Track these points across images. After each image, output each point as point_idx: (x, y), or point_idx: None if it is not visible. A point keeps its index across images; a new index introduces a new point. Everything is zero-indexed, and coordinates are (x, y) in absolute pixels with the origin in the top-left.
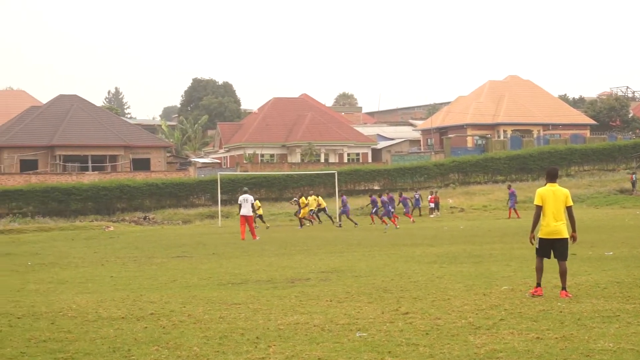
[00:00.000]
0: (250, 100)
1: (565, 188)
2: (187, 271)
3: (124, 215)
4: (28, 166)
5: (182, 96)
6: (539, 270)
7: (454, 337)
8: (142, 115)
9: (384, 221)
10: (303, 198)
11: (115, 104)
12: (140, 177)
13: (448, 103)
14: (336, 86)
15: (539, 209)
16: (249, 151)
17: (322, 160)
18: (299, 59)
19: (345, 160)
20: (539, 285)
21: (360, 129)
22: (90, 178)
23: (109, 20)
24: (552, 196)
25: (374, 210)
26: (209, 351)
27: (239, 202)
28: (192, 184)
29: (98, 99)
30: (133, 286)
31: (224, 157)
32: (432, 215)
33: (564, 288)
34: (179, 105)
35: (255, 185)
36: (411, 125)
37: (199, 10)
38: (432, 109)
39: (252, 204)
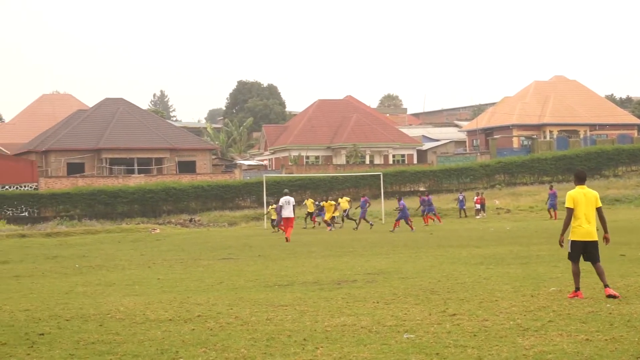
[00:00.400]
0: (295, 102)
1: (612, 189)
2: (233, 273)
3: (170, 217)
4: (75, 169)
5: (227, 99)
6: (577, 274)
7: (502, 339)
8: (188, 118)
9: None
10: (331, 201)
11: (161, 107)
12: (186, 179)
13: (493, 104)
14: (381, 88)
15: (571, 211)
16: (294, 153)
17: (368, 161)
18: (344, 61)
19: (391, 162)
20: (578, 289)
21: (405, 131)
22: (136, 181)
23: (155, 24)
24: (584, 198)
25: (424, 211)
26: (257, 353)
27: (280, 205)
28: (238, 186)
29: (144, 102)
30: (180, 288)
31: (269, 159)
32: (478, 217)
33: (607, 285)
34: (224, 108)
35: (301, 187)
36: (456, 126)
37: (244, 13)
38: (477, 110)
39: (294, 206)
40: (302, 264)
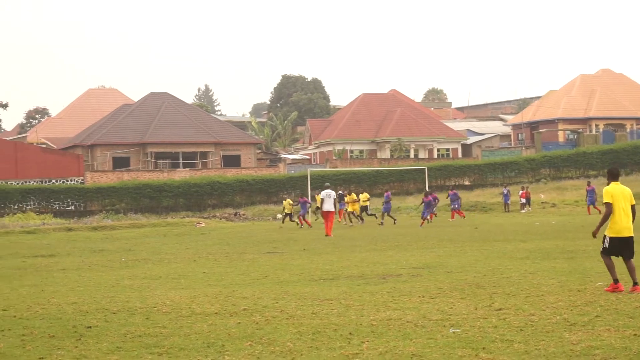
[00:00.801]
0: (340, 96)
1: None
2: (278, 267)
3: (215, 211)
4: (120, 163)
5: (271, 93)
6: (612, 267)
7: (548, 334)
8: (232, 112)
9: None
10: (353, 194)
11: (205, 101)
12: (231, 173)
13: (539, 97)
14: (425, 81)
15: (610, 206)
16: (339, 147)
17: (412, 155)
18: (388, 55)
19: (435, 156)
20: (617, 281)
21: (450, 124)
22: (181, 175)
23: (199, 19)
24: (621, 194)
25: (455, 206)
26: (302, 347)
27: (321, 198)
28: (282, 180)
29: (188, 97)
30: (225, 282)
31: (313, 153)
32: (523, 211)
33: (636, 283)
34: (268, 102)
35: (345, 182)
36: (501, 120)
37: (289, 7)
38: (522, 104)
39: (334, 199)
40: (347, 258)
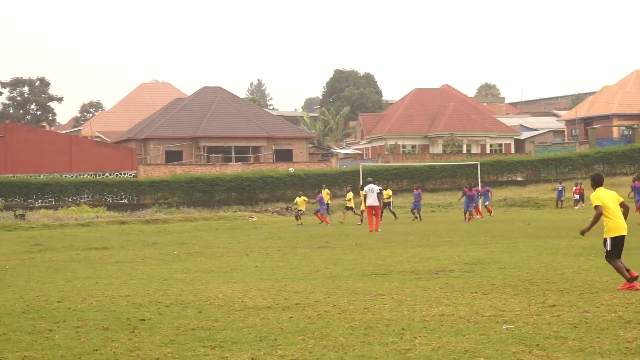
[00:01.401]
0: (392, 91)
1: None
2: (330, 262)
3: (267, 205)
4: (173, 157)
5: (324, 87)
6: (621, 268)
7: (603, 331)
8: (284, 107)
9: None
10: (388, 190)
11: (258, 95)
12: (283, 167)
13: (593, 93)
14: (478, 77)
15: (600, 208)
16: (391, 142)
17: (464, 151)
18: (441, 50)
19: (488, 151)
20: (632, 279)
21: (502, 120)
22: (233, 169)
23: (252, 13)
24: (609, 197)
25: (486, 203)
26: (355, 342)
27: (364, 193)
28: (334, 175)
29: (241, 91)
30: (277, 276)
31: (365, 148)
32: (576, 207)
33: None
34: (321, 97)
35: (397, 177)
36: (555, 115)
37: (342, 2)
38: (576, 99)
39: (378, 194)
40: (399, 253)
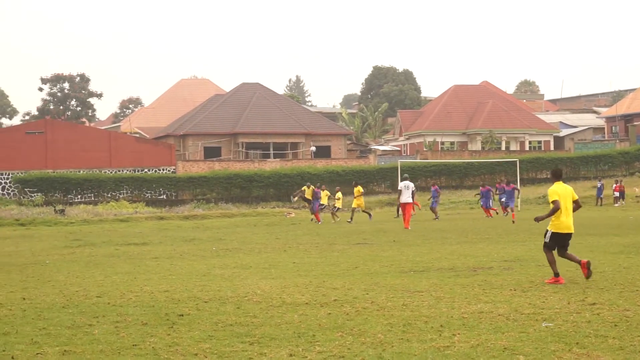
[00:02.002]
0: (431, 87)
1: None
2: (368, 258)
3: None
4: (212, 153)
5: (362, 84)
6: (553, 262)
7: None
8: (323, 103)
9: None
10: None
11: (296, 92)
12: (321, 164)
13: (634, 90)
14: (518, 73)
15: (558, 202)
16: (429, 139)
17: (503, 148)
18: (480, 46)
19: (527, 148)
20: (557, 274)
21: (542, 117)
22: (271, 165)
23: (291, 10)
24: (564, 193)
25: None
26: (393, 338)
27: (399, 189)
28: (372, 172)
29: (279, 87)
30: (315, 272)
31: (403, 144)
32: (616, 205)
33: (580, 261)
34: (359, 93)
35: (435, 174)
36: (595, 112)
37: None
38: (616, 96)
39: (413, 191)
40: (437, 250)
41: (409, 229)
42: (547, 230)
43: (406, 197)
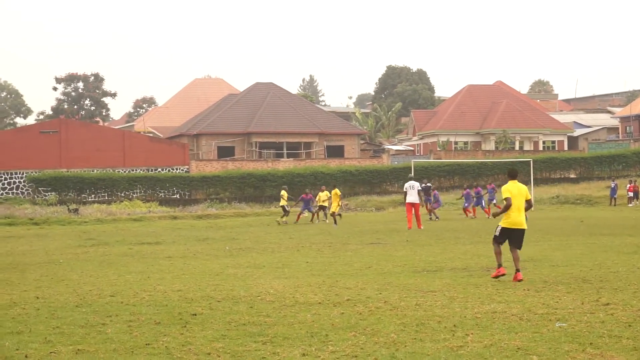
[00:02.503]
0: (445, 87)
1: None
2: (381, 258)
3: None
4: (225, 152)
5: (376, 84)
6: (498, 253)
7: None
8: (336, 103)
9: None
10: (337, 190)
11: (310, 91)
12: (334, 164)
13: None
14: (531, 73)
15: (510, 200)
16: (443, 138)
17: (517, 147)
18: (494, 46)
19: (541, 148)
20: (500, 265)
21: (556, 117)
22: (285, 165)
23: (304, 9)
24: (517, 192)
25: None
26: (406, 338)
27: (404, 189)
28: (386, 171)
29: (293, 87)
30: (329, 272)
31: (417, 144)
32: (630, 205)
33: (518, 270)
34: (372, 93)
35: (449, 173)
36: (609, 112)
37: None
38: (631, 96)
39: (419, 191)
40: (450, 250)
41: (421, 228)
42: (498, 225)
43: (412, 198)
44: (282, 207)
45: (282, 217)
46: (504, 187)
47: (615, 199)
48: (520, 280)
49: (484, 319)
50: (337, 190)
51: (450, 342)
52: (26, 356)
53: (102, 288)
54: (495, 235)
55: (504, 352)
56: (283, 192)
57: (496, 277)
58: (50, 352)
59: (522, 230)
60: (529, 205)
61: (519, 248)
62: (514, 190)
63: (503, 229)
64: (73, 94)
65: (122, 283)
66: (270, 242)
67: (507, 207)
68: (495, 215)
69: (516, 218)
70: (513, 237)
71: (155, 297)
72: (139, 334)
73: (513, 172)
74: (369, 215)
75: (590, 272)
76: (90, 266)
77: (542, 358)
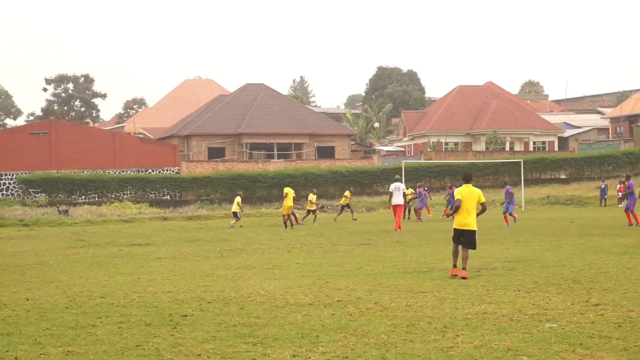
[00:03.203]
0: (435, 88)
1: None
2: (372, 259)
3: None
4: (216, 154)
5: (366, 84)
6: (454, 253)
7: None
8: (327, 104)
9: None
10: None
11: (301, 92)
12: (325, 165)
13: (638, 90)
14: (522, 74)
15: (459, 202)
16: (433, 139)
17: (507, 148)
18: (484, 47)
19: (531, 149)
20: (455, 266)
21: (546, 117)
22: (275, 166)
23: (295, 10)
24: (468, 195)
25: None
26: (397, 339)
27: (390, 191)
28: (376, 172)
29: (284, 88)
30: (319, 273)
31: (408, 145)
32: (620, 205)
33: (464, 268)
34: (363, 94)
35: (439, 174)
36: (599, 113)
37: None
38: (621, 97)
39: (404, 192)
40: (440, 251)
41: (399, 230)
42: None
43: (398, 199)
44: (234, 212)
45: (235, 221)
46: (456, 190)
47: (605, 199)
48: (458, 277)
49: (475, 319)
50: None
51: (441, 343)
52: (16, 358)
53: (92, 289)
54: (452, 236)
55: (494, 353)
56: (238, 198)
57: (452, 276)
58: (40, 354)
59: (471, 232)
60: (482, 208)
61: (472, 248)
62: (465, 193)
63: (454, 230)
64: (63, 95)
65: (112, 284)
66: (261, 243)
67: (456, 209)
68: (448, 215)
69: (464, 219)
70: (464, 237)
71: (145, 299)
72: (129, 336)
73: (467, 176)
74: (359, 216)
75: (580, 272)
76: (80, 267)
77: (532, 359)
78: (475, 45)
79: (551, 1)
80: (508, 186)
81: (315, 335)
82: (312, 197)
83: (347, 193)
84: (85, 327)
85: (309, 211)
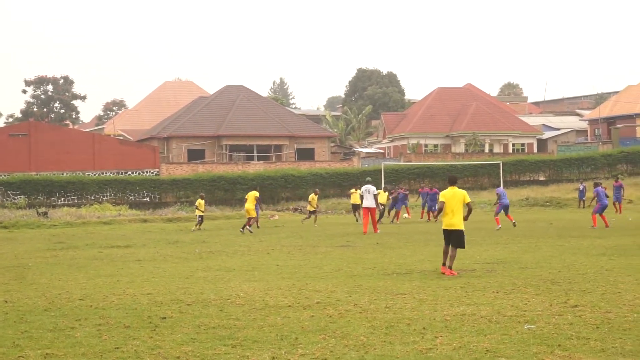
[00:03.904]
0: (415, 90)
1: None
2: (351, 260)
3: (289, 204)
4: (195, 156)
5: (346, 86)
6: (444, 253)
7: (626, 332)
8: (307, 106)
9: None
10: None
11: (280, 94)
12: (305, 166)
13: (616, 92)
14: (501, 76)
15: (443, 204)
16: (413, 141)
17: (487, 150)
18: (463, 49)
19: (510, 151)
20: (444, 265)
21: (525, 119)
22: (255, 167)
23: (275, 12)
24: (452, 196)
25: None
26: (376, 341)
27: (360, 194)
28: (356, 174)
29: (264, 90)
30: (299, 275)
31: (387, 147)
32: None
33: (450, 267)
34: (343, 96)
35: (419, 176)
36: (578, 115)
37: (364, 1)
38: (599, 99)
39: (375, 195)
40: (420, 252)
41: (378, 232)
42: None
43: (368, 202)
44: (199, 216)
45: (197, 225)
46: (441, 193)
47: (583, 201)
48: (448, 274)
49: (453, 321)
50: (255, 193)
51: (420, 344)
52: None
53: (71, 292)
54: (443, 237)
55: (473, 355)
56: (200, 201)
57: (442, 273)
58: (19, 357)
59: (458, 231)
60: (468, 208)
61: (460, 247)
62: (448, 194)
63: (443, 230)
64: (42, 96)
65: (91, 287)
66: (240, 245)
67: (440, 210)
68: (435, 217)
69: (449, 220)
70: (451, 237)
71: (124, 301)
72: (108, 338)
73: (452, 178)
74: (339, 217)
75: (558, 274)
76: (59, 270)
77: None
78: (454, 47)
79: (530, 4)
80: (498, 188)
81: (295, 337)
82: (312, 197)
83: (312, 196)
84: (64, 330)
85: (310, 212)
